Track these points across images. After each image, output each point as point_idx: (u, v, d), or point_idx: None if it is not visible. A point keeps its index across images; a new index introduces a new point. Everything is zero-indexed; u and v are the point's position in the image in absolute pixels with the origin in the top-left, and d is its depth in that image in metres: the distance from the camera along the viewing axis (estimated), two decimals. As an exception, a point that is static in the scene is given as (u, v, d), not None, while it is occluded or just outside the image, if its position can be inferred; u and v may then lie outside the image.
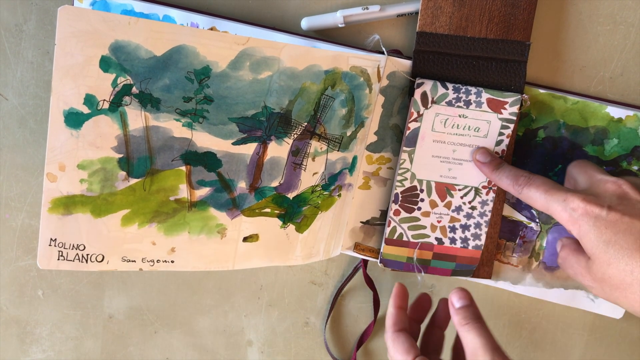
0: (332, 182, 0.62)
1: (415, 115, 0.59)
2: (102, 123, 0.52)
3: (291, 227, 0.62)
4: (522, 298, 0.69)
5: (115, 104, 0.52)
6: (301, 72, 0.56)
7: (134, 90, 0.52)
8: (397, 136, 0.63)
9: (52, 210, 0.53)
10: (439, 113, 0.59)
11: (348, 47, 0.60)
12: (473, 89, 0.58)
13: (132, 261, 0.58)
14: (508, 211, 0.65)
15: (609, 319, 0.69)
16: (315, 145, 0.59)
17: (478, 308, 0.57)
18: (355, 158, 0.62)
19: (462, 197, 0.62)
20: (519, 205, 0.65)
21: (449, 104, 0.59)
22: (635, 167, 0.63)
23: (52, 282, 0.66)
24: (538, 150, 0.63)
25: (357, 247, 0.66)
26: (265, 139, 0.57)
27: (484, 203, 0.62)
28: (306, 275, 0.70)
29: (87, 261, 0.56)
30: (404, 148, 0.61)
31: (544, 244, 0.66)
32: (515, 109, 0.59)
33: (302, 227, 0.62)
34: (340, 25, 0.60)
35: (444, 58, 0.60)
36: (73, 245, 0.55)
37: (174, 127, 0.54)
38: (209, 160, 0.56)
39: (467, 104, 0.59)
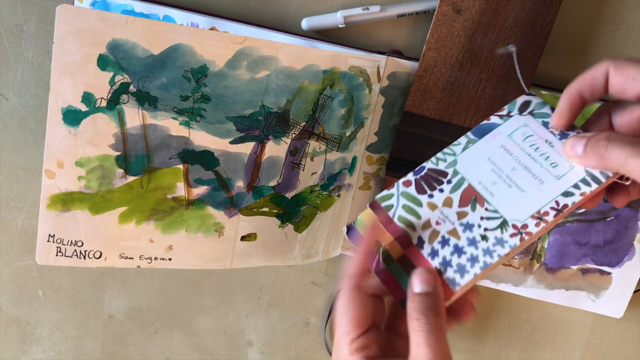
0: (332, 182, 0.62)
1: (504, 112, 0.52)
2: (99, 121, 0.53)
3: (290, 227, 0.62)
4: (523, 298, 0.69)
5: (113, 102, 0.53)
6: (299, 71, 0.56)
7: (132, 88, 0.53)
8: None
9: (51, 207, 0.54)
10: (528, 125, 0.51)
11: (348, 48, 0.60)
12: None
13: (130, 258, 0.58)
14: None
15: (609, 319, 0.69)
16: (313, 145, 0.59)
17: (441, 299, 0.44)
18: (355, 158, 0.62)
19: (482, 218, 0.49)
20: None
21: (545, 124, 0.51)
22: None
23: (52, 282, 0.67)
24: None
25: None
26: (262, 138, 0.57)
27: (499, 242, 0.48)
28: (306, 276, 0.70)
29: (85, 257, 0.56)
30: (469, 134, 0.52)
31: (546, 246, 0.66)
32: (610, 172, 0.48)
33: (300, 227, 0.62)
34: (340, 26, 0.60)
35: (427, 140, 0.60)
36: (71, 242, 0.55)
37: (172, 125, 0.55)
38: (206, 158, 0.57)
39: (564, 136, 0.50)
